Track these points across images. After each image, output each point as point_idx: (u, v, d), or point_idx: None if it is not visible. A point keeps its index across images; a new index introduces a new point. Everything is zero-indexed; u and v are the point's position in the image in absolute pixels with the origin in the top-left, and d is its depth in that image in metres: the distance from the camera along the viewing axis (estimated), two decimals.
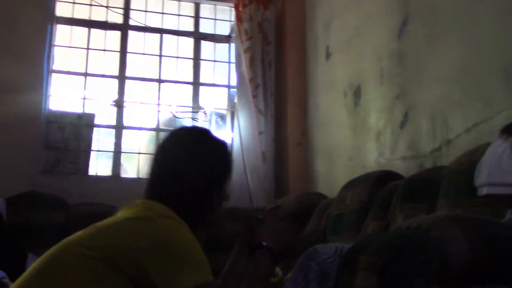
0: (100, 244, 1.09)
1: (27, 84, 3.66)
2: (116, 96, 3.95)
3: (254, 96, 3.93)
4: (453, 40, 2.19)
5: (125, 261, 1.05)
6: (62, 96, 3.91)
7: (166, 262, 1.06)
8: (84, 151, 3.81)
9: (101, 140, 3.95)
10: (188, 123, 4.17)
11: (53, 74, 3.86)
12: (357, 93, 3.07)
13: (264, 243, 1.27)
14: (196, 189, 1.31)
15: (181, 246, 1.11)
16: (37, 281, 1.08)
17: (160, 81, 4.12)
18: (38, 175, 3.60)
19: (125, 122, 3.96)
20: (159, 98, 4.08)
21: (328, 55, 3.57)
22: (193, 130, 1.58)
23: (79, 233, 1.16)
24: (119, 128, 3.91)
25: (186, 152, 1.35)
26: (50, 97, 3.82)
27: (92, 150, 3.85)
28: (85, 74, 3.96)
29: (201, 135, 1.43)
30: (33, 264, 1.12)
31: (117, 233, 1.13)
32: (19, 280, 1.09)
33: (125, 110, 3.96)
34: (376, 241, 0.83)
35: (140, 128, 4.03)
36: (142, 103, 4.06)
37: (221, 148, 1.43)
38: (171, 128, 4.05)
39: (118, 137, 3.90)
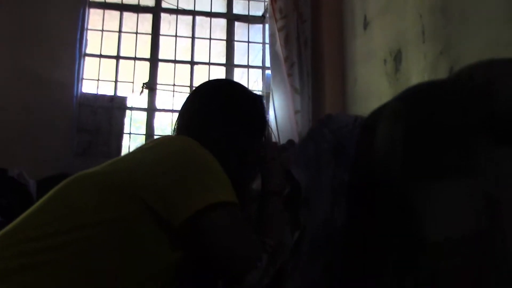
0: (113, 174, 1.00)
1: (60, 67, 3.63)
2: (148, 79, 3.87)
3: (290, 75, 3.75)
4: None
5: (139, 188, 0.95)
6: (95, 79, 3.86)
7: (183, 181, 0.96)
8: (116, 134, 3.73)
9: (133, 122, 3.87)
10: None
11: (86, 58, 3.82)
12: (397, 57, 2.84)
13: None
14: (230, 136, 1.19)
15: (199, 164, 1.01)
16: (44, 209, 0.97)
17: (192, 63, 4.02)
18: (70, 158, 3.54)
19: (157, 105, 3.87)
20: (191, 81, 3.96)
21: (366, 25, 3.36)
22: (228, 80, 1.49)
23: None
24: (151, 110, 3.82)
25: (223, 100, 1.25)
26: (83, 81, 3.77)
27: (124, 133, 3.77)
28: (117, 57, 3.90)
29: (237, 85, 1.35)
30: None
31: (132, 161, 1.05)
32: (29, 210, 0.99)
33: (157, 92, 3.87)
34: (404, 91, 0.64)
35: (172, 111, 3.93)
36: (174, 85, 3.96)
37: (257, 99, 1.33)
38: None
39: (150, 119, 3.80)
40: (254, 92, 1.36)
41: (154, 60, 3.93)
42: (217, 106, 1.23)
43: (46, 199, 0.99)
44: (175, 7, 4.07)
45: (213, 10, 4.15)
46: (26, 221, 0.95)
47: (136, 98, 3.87)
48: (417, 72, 2.59)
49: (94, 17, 3.93)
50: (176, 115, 3.71)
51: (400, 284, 0.55)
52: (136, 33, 3.98)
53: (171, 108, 3.93)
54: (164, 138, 1.14)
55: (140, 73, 3.91)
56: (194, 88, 1.34)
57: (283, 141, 3.69)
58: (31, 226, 0.94)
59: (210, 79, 1.45)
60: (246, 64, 4.15)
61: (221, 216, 0.97)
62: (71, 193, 0.99)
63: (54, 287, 0.86)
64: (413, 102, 0.60)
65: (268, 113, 1.35)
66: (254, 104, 1.30)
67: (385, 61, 2.99)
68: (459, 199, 0.53)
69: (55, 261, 0.88)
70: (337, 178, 0.67)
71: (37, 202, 1.00)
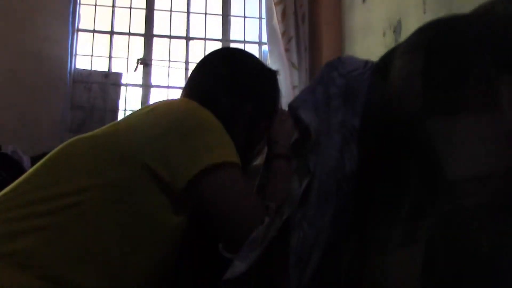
0: (113, 136, 0.97)
1: (53, 43, 3.56)
2: (142, 55, 3.81)
3: (287, 50, 3.69)
4: None
5: (140, 149, 0.91)
6: (88, 55, 3.78)
7: (184, 143, 0.92)
8: (110, 110, 3.68)
9: (128, 104, 3.81)
10: None
11: (79, 33, 3.75)
12: (397, 29, 2.79)
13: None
14: (235, 108, 1.15)
15: (200, 124, 0.97)
16: (40, 173, 0.93)
17: (188, 38, 3.95)
18: (64, 135, 3.48)
19: (153, 81, 3.81)
20: (187, 56, 3.90)
21: None
22: (238, 50, 1.43)
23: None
24: (146, 87, 3.76)
25: (229, 70, 1.20)
26: (76, 56, 3.71)
27: (119, 110, 3.71)
28: (111, 32, 3.83)
29: (247, 56, 1.29)
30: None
31: (132, 123, 1.00)
32: (23, 175, 0.95)
33: (152, 68, 3.81)
34: (422, 27, 0.60)
35: (168, 87, 3.87)
36: (170, 61, 3.90)
37: (272, 73, 1.27)
38: None
39: (145, 96, 3.75)
40: (267, 66, 1.31)
41: (148, 35, 3.86)
42: (223, 77, 1.18)
43: (41, 164, 0.95)
44: None
45: None
46: (20, 186, 0.92)
47: (131, 75, 3.81)
48: None
49: None
50: (171, 91, 3.64)
51: (414, 231, 0.52)
52: (130, 7, 3.89)
53: (166, 85, 3.87)
54: (164, 101, 1.09)
55: (135, 48, 3.84)
56: (202, 58, 1.28)
57: None
58: (25, 191, 0.90)
59: (221, 48, 1.40)
60: (243, 39, 4.08)
61: (222, 177, 0.93)
62: (68, 156, 0.95)
63: (49, 253, 0.82)
64: (432, 35, 0.56)
65: (279, 89, 1.29)
66: (263, 77, 1.25)
67: (384, 33, 2.94)
68: (482, 136, 0.49)
69: (52, 225, 0.84)
70: (347, 123, 0.63)
71: (32, 167, 0.96)
